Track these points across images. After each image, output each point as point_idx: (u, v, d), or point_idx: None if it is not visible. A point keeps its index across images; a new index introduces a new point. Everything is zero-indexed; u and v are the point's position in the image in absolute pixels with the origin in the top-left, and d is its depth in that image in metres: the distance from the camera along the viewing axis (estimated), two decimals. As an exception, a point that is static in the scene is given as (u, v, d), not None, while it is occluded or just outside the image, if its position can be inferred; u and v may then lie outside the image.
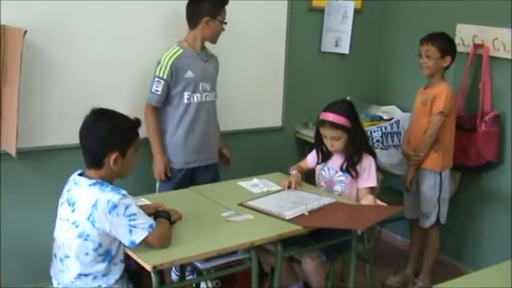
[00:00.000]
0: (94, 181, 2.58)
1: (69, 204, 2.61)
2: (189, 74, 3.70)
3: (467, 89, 4.28)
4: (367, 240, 3.66)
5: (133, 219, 2.52)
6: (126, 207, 2.51)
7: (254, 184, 3.57)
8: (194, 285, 3.74)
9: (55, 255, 2.70)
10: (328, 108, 3.51)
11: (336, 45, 4.83)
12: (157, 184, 3.81)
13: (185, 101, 3.72)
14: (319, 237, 3.21)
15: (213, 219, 3.02)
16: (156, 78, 3.65)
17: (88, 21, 3.66)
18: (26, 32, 3.18)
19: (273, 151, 4.67)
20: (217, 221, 2.99)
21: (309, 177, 3.81)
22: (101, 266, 2.59)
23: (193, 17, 3.72)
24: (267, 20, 4.44)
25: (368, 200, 3.38)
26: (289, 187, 3.52)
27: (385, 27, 5.05)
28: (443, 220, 4.10)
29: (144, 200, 3.10)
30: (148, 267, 2.49)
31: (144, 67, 3.81)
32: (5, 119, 3.40)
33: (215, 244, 2.72)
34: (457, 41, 4.22)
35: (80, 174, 2.67)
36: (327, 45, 4.79)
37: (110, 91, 3.78)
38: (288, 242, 3.05)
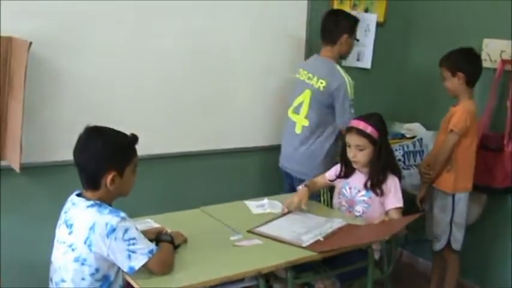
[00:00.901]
0: (92, 202, 2.46)
1: (67, 226, 2.49)
2: None
3: (494, 106, 4.10)
4: (387, 265, 3.48)
5: (133, 244, 2.39)
6: (125, 231, 2.38)
7: (260, 205, 3.44)
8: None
9: (51, 279, 2.58)
10: (359, 117, 3.45)
11: (358, 59, 4.70)
12: None
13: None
14: (334, 262, 3.06)
15: (220, 243, 2.88)
16: (351, 102, 3.83)
17: (96, 32, 3.56)
18: (31, 43, 3.08)
19: (269, 172, 4.46)
20: (225, 245, 2.86)
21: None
22: None
23: (333, 34, 3.94)
24: (286, 34, 4.32)
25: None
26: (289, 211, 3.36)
27: (409, 41, 4.90)
28: (456, 246, 3.93)
29: (149, 221, 2.99)
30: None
31: (154, 80, 3.76)
32: (10, 132, 3.30)
33: (220, 271, 2.56)
34: (483, 56, 4.08)
35: (78, 195, 2.54)
36: (348, 59, 4.58)
37: (118, 104, 3.69)
38: (300, 267, 2.89)
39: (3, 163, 3.37)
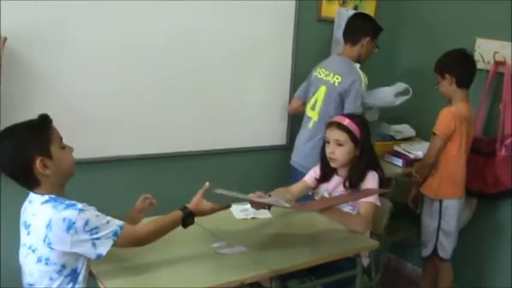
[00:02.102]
0: (47, 197, 2.33)
1: (25, 227, 2.37)
2: None
3: (487, 109, 4.00)
4: (375, 272, 3.37)
5: (96, 233, 2.28)
6: (86, 223, 2.26)
7: (243, 209, 3.29)
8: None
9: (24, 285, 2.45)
10: (342, 114, 3.45)
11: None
12: None
13: None
14: (320, 271, 2.95)
15: (200, 251, 2.74)
16: (361, 93, 3.84)
17: (77, 27, 3.40)
18: (6, 38, 2.93)
19: (277, 171, 4.39)
20: (206, 253, 2.71)
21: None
22: None
23: (355, 34, 3.98)
24: (273, 31, 4.20)
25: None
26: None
27: (399, 39, 4.80)
28: (443, 254, 3.85)
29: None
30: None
31: (143, 78, 3.67)
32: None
33: (201, 282, 2.43)
34: (476, 57, 3.98)
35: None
36: None
37: (100, 101, 3.54)
38: (285, 275, 2.75)
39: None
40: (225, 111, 4.08)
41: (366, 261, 3.25)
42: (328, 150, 3.25)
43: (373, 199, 3.15)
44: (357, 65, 3.94)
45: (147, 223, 2.54)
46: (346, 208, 3.27)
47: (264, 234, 3.06)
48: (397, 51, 4.83)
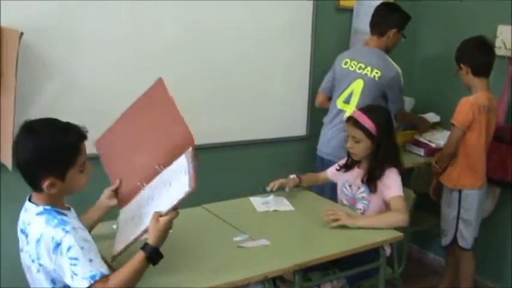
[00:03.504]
0: (42, 209, 2.19)
1: (24, 235, 2.25)
2: None
3: (509, 97, 3.94)
4: (397, 263, 3.34)
5: (74, 265, 2.08)
6: (68, 249, 2.08)
7: (265, 202, 3.28)
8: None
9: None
10: (362, 108, 3.36)
11: (365, 47, 4.51)
12: None
13: None
14: (343, 263, 2.91)
15: (223, 245, 2.72)
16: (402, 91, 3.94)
17: (92, 21, 3.39)
18: (22, 34, 2.92)
19: (296, 163, 4.37)
20: (228, 247, 2.69)
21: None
22: None
23: (382, 25, 3.95)
24: (291, 21, 4.17)
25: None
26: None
27: (420, 28, 4.73)
28: (463, 243, 3.81)
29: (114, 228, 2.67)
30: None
31: (154, 68, 3.52)
32: (2, 129, 3.15)
33: (224, 276, 2.40)
34: (497, 44, 3.95)
35: (30, 198, 2.28)
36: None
37: (116, 95, 3.46)
38: (308, 268, 2.73)
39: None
40: (245, 103, 4.07)
41: (387, 251, 3.22)
42: (348, 145, 3.28)
43: (399, 192, 3.15)
44: (390, 59, 3.91)
45: (114, 278, 2.15)
46: (361, 205, 3.29)
47: (286, 227, 3.04)
48: (418, 39, 4.77)
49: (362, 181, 3.26)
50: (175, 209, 2.24)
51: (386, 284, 3.11)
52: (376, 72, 3.84)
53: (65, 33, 3.33)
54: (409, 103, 4.45)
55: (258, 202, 3.27)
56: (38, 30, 3.18)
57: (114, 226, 2.62)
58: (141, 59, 3.60)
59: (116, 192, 2.61)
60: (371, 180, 3.23)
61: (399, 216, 3.05)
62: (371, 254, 2.96)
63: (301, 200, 3.35)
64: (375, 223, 3.03)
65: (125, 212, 2.54)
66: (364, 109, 3.32)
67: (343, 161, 3.45)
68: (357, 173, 3.33)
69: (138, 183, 2.46)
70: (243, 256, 2.63)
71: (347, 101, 3.93)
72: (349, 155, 3.37)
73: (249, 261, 2.58)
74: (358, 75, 3.89)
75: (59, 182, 2.16)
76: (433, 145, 4.24)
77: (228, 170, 4.11)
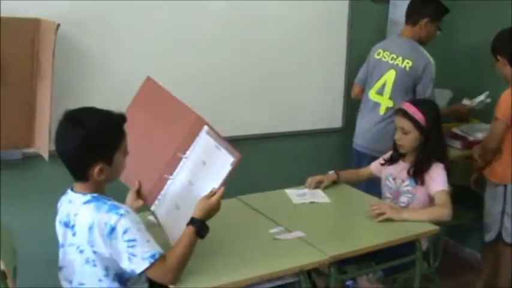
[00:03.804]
0: (89, 197, 2.22)
1: (69, 227, 2.27)
2: None
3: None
4: (433, 258, 3.29)
5: (132, 246, 2.14)
6: (125, 231, 2.13)
7: (301, 194, 3.26)
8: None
9: (69, 281, 2.33)
10: (410, 100, 3.42)
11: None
12: None
13: None
14: (378, 256, 2.88)
15: (258, 237, 2.71)
16: (432, 83, 3.81)
17: (129, 11, 3.41)
18: (59, 25, 2.94)
19: (331, 155, 4.36)
20: (264, 239, 2.68)
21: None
22: None
23: (414, 14, 3.90)
24: (327, 13, 4.16)
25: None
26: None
27: (457, 18, 4.62)
28: (508, 238, 3.72)
29: (151, 219, 2.68)
30: (172, 296, 2.19)
31: (189, 59, 3.64)
32: (39, 118, 3.18)
33: (259, 268, 2.39)
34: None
35: (72, 189, 2.31)
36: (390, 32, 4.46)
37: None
38: (343, 260, 2.70)
39: (31, 150, 3.26)
40: (281, 94, 4.06)
41: (424, 245, 3.19)
42: (396, 137, 3.27)
43: (444, 186, 3.14)
44: (423, 49, 3.85)
45: (170, 256, 2.22)
46: (405, 198, 3.27)
47: (322, 219, 3.02)
48: (456, 29, 4.68)
49: (408, 174, 3.25)
50: (224, 184, 2.34)
51: (422, 278, 3.07)
52: (407, 63, 3.80)
53: (101, 24, 3.35)
54: (446, 96, 4.38)
55: (293, 194, 3.26)
56: (74, 21, 3.21)
57: (150, 217, 2.64)
58: (179, 49, 3.61)
59: (138, 193, 2.62)
60: (418, 173, 3.21)
61: (444, 211, 3.05)
62: (407, 247, 2.93)
63: (337, 192, 3.33)
64: (419, 216, 3.01)
65: (160, 206, 2.55)
66: (413, 101, 3.35)
67: (387, 155, 3.43)
68: (401, 167, 3.32)
69: (165, 176, 2.47)
70: (278, 248, 2.61)
71: (380, 92, 3.91)
72: (395, 147, 3.35)
73: (284, 253, 2.56)
74: (390, 66, 3.86)
75: (107, 167, 2.21)
76: (471, 138, 4.17)
77: (263, 162, 4.09)
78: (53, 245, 3.40)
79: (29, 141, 3.23)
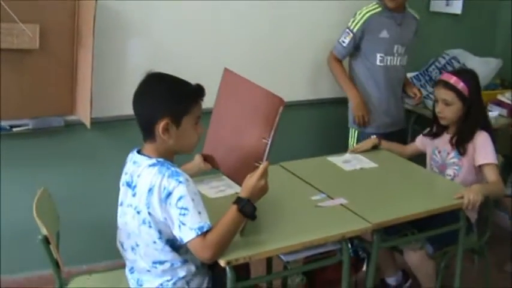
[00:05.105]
0: (154, 161, 2.25)
1: (130, 188, 2.31)
2: (384, 34, 3.69)
3: None
4: (482, 233, 3.22)
5: (183, 214, 2.15)
6: (179, 198, 2.15)
7: (346, 160, 3.22)
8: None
9: (121, 244, 2.42)
10: (450, 71, 3.36)
11: (447, 5, 4.42)
12: (352, 132, 3.84)
13: (378, 62, 3.70)
14: (422, 224, 2.83)
15: (300, 204, 2.69)
16: (347, 30, 3.70)
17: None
18: (97, -2, 2.96)
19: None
20: (305, 206, 2.65)
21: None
22: (174, 255, 2.29)
23: None
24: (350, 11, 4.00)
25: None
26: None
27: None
28: None
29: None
30: (222, 263, 2.18)
31: (227, 31, 3.64)
32: (80, 86, 3.21)
33: (301, 236, 2.37)
34: None
35: (139, 151, 2.35)
36: (437, 5, 4.41)
37: (194, 57, 3.54)
38: (387, 230, 2.69)
39: (73, 118, 3.30)
40: (317, 60, 4.02)
41: (473, 217, 3.13)
42: (437, 109, 3.19)
43: (492, 159, 3.08)
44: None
45: (211, 233, 2.19)
46: (451, 171, 3.20)
47: (366, 186, 2.97)
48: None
49: (451, 143, 3.18)
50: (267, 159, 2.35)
51: (471, 251, 3.06)
52: None
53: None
54: (496, 64, 4.25)
55: (338, 161, 3.22)
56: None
57: None
58: (218, 21, 3.60)
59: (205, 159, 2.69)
60: (461, 143, 3.14)
61: (501, 187, 3.07)
62: (452, 216, 2.86)
63: (379, 158, 3.28)
64: (493, 189, 3.01)
65: None
66: (454, 71, 3.27)
67: (427, 129, 3.38)
68: (446, 139, 3.25)
69: (256, 164, 2.39)
70: (320, 215, 2.58)
71: None
72: (434, 121, 3.28)
73: (326, 220, 2.54)
74: None
75: (173, 126, 2.24)
76: (518, 105, 4.07)
77: (302, 129, 4.09)
78: (93, 210, 3.49)
79: (71, 109, 3.26)
